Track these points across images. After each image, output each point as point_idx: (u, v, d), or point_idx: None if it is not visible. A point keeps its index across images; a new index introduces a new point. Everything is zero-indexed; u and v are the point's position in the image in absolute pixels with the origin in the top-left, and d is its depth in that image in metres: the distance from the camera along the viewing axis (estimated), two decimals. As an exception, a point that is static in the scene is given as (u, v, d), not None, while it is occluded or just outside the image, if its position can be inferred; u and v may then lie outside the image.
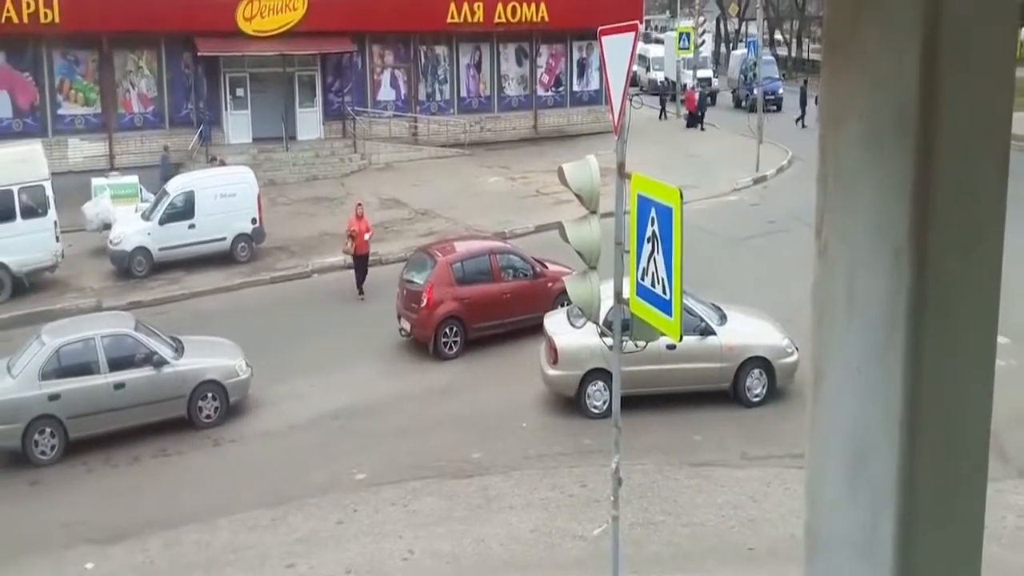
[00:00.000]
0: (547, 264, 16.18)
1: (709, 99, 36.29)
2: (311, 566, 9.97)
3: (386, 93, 31.02)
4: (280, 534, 10.60)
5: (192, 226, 19.98)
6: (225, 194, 20.32)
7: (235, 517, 10.99)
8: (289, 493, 11.41)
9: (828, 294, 1.14)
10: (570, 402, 13.25)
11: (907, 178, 1.03)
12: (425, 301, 15.32)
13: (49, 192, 18.83)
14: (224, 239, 20.22)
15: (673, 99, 37.47)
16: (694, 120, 35.04)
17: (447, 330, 15.40)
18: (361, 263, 18.27)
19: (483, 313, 15.49)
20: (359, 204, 19.07)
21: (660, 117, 37.05)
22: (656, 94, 37.96)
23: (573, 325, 13.17)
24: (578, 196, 7.68)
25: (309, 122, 29.42)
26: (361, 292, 18.17)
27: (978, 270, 1.07)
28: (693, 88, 37.18)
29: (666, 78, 40.82)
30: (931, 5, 1.00)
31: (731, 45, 58.77)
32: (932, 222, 1.03)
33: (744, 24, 60.81)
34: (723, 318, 13.54)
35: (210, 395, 13.42)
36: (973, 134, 1.04)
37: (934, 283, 1.04)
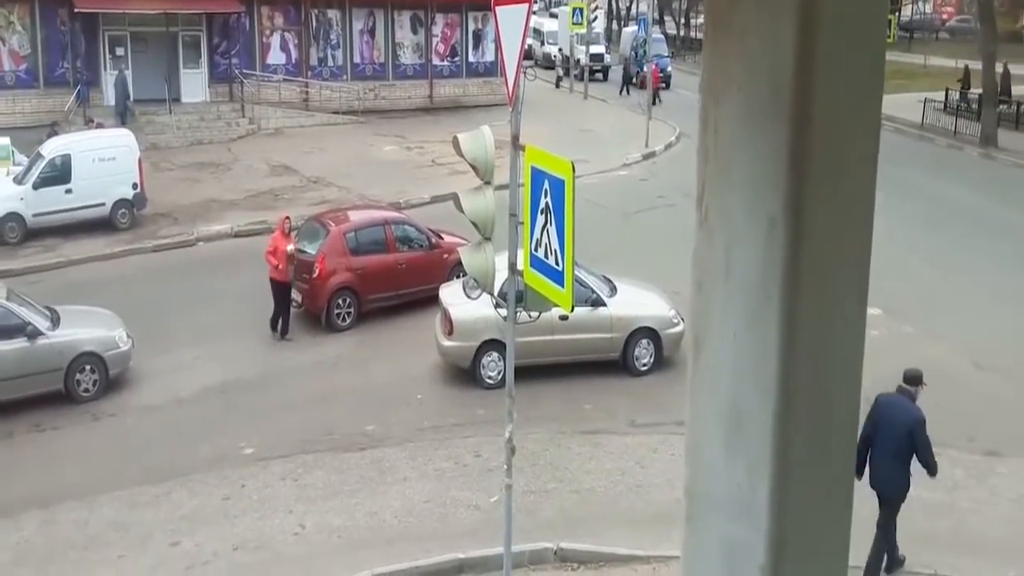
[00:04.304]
0: (442, 235, 16.10)
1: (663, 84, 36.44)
2: (196, 543, 9.72)
3: (276, 56, 30.11)
4: (164, 511, 10.28)
5: (69, 191, 19.03)
6: (104, 158, 19.39)
7: (116, 494, 10.59)
8: (173, 469, 11.06)
9: (707, 263, 1.16)
10: (465, 373, 13.27)
11: (782, 150, 1.05)
12: (317, 271, 15.02)
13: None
14: (103, 205, 19.34)
15: (636, 77, 38.27)
16: (655, 94, 35.77)
17: (340, 301, 15.15)
18: (284, 295, 14.65)
19: (377, 284, 15.31)
20: (286, 218, 15.18)
21: (621, 93, 37.71)
22: (592, 69, 38.57)
23: (468, 296, 13.17)
24: (473, 167, 7.66)
25: (194, 84, 28.32)
26: (285, 332, 14.57)
27: (850, 242, 1.11)
28: (656, 64, 38.12)
29: (560, 51, 41.05)
30: None
31: (623, 22, 59.45)
32: (806, 194, 1.06)
33: (635, 2, 61.55)
34: (613, 290, 13.80)
35: (88, 368, 12.87)
36: (846, 109, 1.07)
37: (807, 253, 1.07)
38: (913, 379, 8.66)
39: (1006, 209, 21.40)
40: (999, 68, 29.69)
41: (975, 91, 31.34)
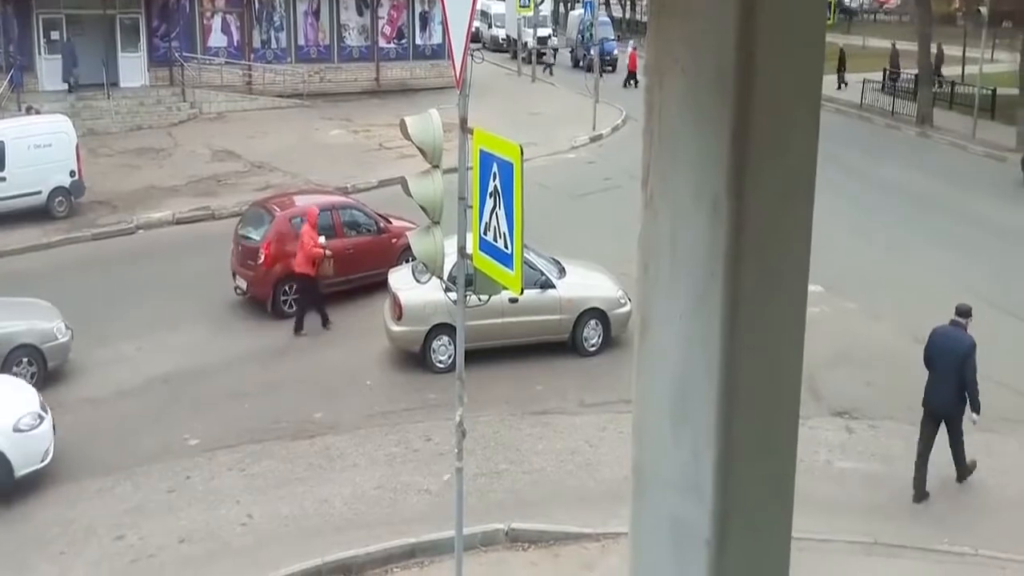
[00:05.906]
0: (391, 219, 15.97)
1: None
2: (141, 537, 9.54)
3: (217, 39, 29.51)
4: (107, 505, 10.08)
5: (3, 179, 18.51)
6: (40, 144, 18.88)
7: (57, 489, 10.34)
8: (116, 462, 10.83)
9: (653, 244, 1.18)
10: (415, 358, 13.21)
11: (725, 131, 1.06)
12: (262, 258, 14.80)
13: None
14: (39, 193, 18.84)
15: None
16: (631, 77, 35.93)
17: (286, 288, 14.95)
18: (308, 288, 14.32)
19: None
20: (317, 212, 14.80)
21: (600, 75, 37.71)
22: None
23: (418, 280, 13.06)
24: (420, 150, 7.58)
25: (132, 68, 27.65)
26: (299, 328, 14.16)
27: (791, 221, 1.12)
28: (635, 48, 38.31)
29: (507, 35, 40.91)
30: None
31: (569, 5, 59.44)
32: (748, 174, 1.07)
33: (583, -16, 61.54)
34: (562, 271, 13.85)
35: (26, 360, 12.51)
36: (787, 90, 1.08)
37: (750, 234, 1.08)
38: (964, 312, 9.88)
39: (942, 186, 21.94)
40: (933, 49, 30.46)
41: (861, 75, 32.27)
